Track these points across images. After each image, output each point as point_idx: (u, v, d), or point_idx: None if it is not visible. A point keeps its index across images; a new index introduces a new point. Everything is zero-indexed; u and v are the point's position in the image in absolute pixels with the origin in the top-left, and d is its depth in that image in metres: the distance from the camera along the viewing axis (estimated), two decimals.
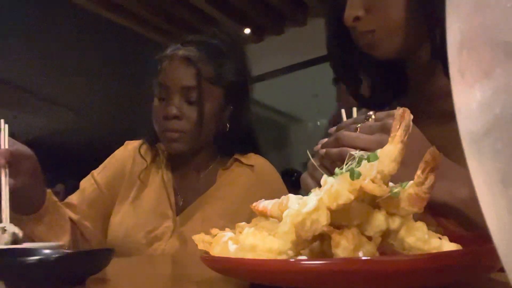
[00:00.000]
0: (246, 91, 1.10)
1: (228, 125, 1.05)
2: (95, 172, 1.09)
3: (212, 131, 1.03)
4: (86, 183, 1.07)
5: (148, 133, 1.07)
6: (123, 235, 0.99)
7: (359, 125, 0.54)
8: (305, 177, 0.61)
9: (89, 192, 1.05)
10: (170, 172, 1.07)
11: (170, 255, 0.96)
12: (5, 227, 0.70)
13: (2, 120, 0.78)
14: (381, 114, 0.54)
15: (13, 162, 0.77)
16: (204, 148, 1.06)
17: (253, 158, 1.11)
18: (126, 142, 1.14)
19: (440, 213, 0.49)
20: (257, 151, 1.14)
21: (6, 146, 0.78)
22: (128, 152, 1.10)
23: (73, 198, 1.05)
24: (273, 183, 1.09)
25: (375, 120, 0.54)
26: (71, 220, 0.99)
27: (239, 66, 1.07)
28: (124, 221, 1.01)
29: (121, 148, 1.13)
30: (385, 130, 0.50)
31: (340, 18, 0.68)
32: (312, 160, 0.59)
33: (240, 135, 1.08)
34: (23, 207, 0.81)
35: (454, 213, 0.49)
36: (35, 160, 0.82)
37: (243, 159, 1.09)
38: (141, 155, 1.08)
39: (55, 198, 0.92)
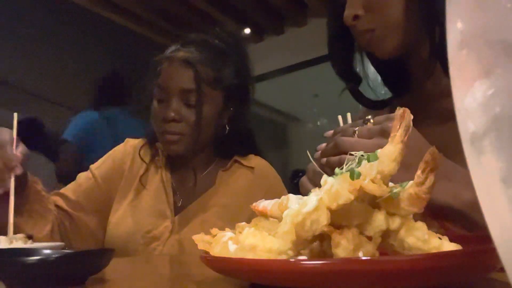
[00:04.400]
0: (247, 93, 1.09)
1: (227, 127, 1.05)
2: (92, 167, 1.08)
3: (211, 133, 1.03)
4: (83, 175, 1.07)
5: (148, 133, 1.07)
6: (121, 235, 0.99)
7: (357, 128, 0.54)
8: (305, 181, 0.60)
9: (85, 183, 1.04)
10: (169, 172, 1.06)
11: (170, 255, 0.95)
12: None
13: (15, 114, 0.77)
14: (380, 118, 0.54)
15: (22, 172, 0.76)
16: (203, 149, 1.06)
17: (253, 160, 1.10)
18: (127, 139, 1.14)
19: (444, 215, 0.49)
20: (255, 153, 1.13)
21: (15, 143, 0.76)
22: (128, 149, 1.10)
23: (68, 189, 1.04)
24: (274, 185, 1.08)
25: (374, 123, 0.54)
26: (62, 209, 0.98)
27: (240, 68, 1.06)
28: (122, 220, 1.01)
29: (121, 145, 1.12)
30: (384, 133, 0.49)
31: (341, 16, 0.68)
32: (312, 163, 0.59)
33: (239, 137, 1.08)
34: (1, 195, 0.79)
35: (458, 216, 0.48)
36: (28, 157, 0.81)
37: (243, 161, 1.09)
38: (141, 158, 1.08)
39: (39, 187, 0.91)
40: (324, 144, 0.59)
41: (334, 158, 0.52)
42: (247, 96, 1.09)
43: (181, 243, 0.96)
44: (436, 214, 0.48)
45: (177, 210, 1.01)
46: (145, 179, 1.06)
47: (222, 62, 1.02)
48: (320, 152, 0.58)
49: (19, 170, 0.76)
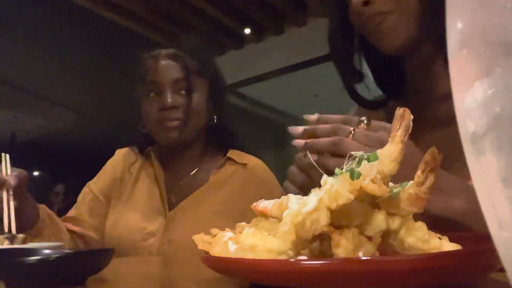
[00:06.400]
0: (225, 85, 1.18)
1: (215, 118, 1.10)
2: (90, 183, 1.14)
3: (203, 122, 1.08)
4: (83, 195, 1.12)
5: (137, 140, 1.13)
6: (118, 234, 1.02)
7: (352, 128, 0.52)
8: (287, 185, 0.60)
9: (87, 202, 1.10)
10: (163, 172, 1.09)
11: (169, 256, 0.96)
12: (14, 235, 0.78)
13: (3, 154, 0.88)
14: (378, 124, 0.52)
15: (17, 185, 0.83)
16: (195, 142, 1.10)
17: (246, 157, 1.13)
18: (117, 150, 1.19)
19: (438, 225, 0.49)
20: (241, 145, 1.18)
21: (9, 173, 0.86)
22: (119, 158, 1.16)
23: (72, 212, 1.10)
24: (267, 181, 1.10)
25: (371, 128, 0.52)
26: (73, 232, 1.05)
27: (214, 61, 1.16)
28: (118, 220, 1.04)
29: (112, 158, 1.18)
30: (383, 145, 0.49)
31: (344, 7, 0.67)
32: (292, 166, 0.59)
33: (227, 128, 1.13)
34: (21, 223, 0.86)
35: (452, 224, 0.48)
36: (28, 179, 0.88)
37: (236, 158, 1.11)
38: (129, 171, 1.13)
39: (49, 211, 0.98)
40: (301, 128, 0.55)
41: (332, 161, 0.50)
42: (225, 88, 1.19)
43: (176, 238, 0.98)
44: (430, 225, 0.48)
45: (171, 207, 1.04)
46: (137, 178, 1.11)
47: (202, 54, 1.11)
48: (304, 142, 0.54)
49: (12, 182, 0.83)
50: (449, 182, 0.49)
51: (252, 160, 1.13)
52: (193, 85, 1.04)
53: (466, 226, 0.47)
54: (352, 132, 0.51)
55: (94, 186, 1.12)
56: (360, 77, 0.76)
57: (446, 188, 0.48)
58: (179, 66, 1.04)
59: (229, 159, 1.12)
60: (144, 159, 1.13)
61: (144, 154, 1.14)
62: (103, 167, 1.17)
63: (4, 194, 0.82)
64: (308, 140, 0.54)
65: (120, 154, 1.17)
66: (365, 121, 0.52)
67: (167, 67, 1.04)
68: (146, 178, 1.10)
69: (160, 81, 1.03)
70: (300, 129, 0.56)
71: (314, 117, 0.55)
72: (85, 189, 1.13)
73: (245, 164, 1.11)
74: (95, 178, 1.14)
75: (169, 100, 1.01)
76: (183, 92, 1.03)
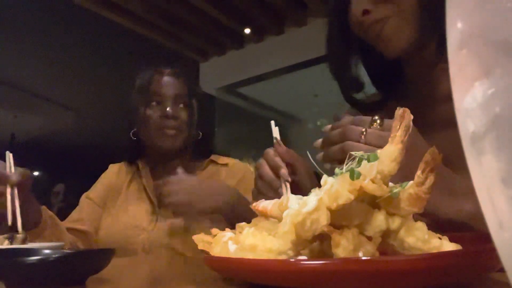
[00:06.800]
0: (207, 108, 1.36)
1: (200, 133, 1.22)
2: (86, 193, 1.24)
3: (192, 135, 1.20)
4: (81, 202, 1.22)
5: (128, 152, 1.25)
6: (113, 231, 1.11)
7: (364, 129, 0.50)
8: (253, 191, 0.62)
9: (86, 207, 1.20)
10: (152, 179, 1.21)
11: (170, 256, 0.97)
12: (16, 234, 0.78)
13: (7, 152, 0.90)
14: (391, 123, 0.51)
15: (20, 183, 0.86)
16: (182, 153, 1.21)
17: (226, 159, 1.26)
18: (110, 165, 1.32)
19: (449, 228, 0.48)
20: (222, 154, 1.30)
21: (13, 171, 0.87)
22: (113, 170, 1.30)
23: (75, 214, 1.20)
24: (246, 175, 1.21)
25: (385, 128, 0.50)
26: (78, 230, 1.13)
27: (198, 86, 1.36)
28: (113, 220, 1.14)
29: (106, 171, 1.31)
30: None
31: (343, 15, 0.67)
32: (257, 170, 0.61)
33: (210, 142, 1.28)
34: (24, 223, 0.87)
35: (462, 228, 0.48)
36: (31, 179, 0.92)
37: (217, 160, 1.25)
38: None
39: (50, 212, 1.03)
40: (320, 140, 0.57)
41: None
42: (207, 109, 1.37)
43: (165, 231, 1.07)
44: (441, 228, 0.48)
45: (160, 205, 1.14)
46: (129, 189, 1.22)
47: (193, 79, 1.28)
48: (322, 154, 0.55)
49: (14, 178, 0.86)
50: (460, 184, 0.48)
51: (232, 161, 1.26)
52: (191, 101, 1.19)
53: (476, 228, 0.46)
54: (364, 133, 0.50)
55: (91, 193, 1.22)
56: (360, 87, 0.76)
57: (457, 191, 0.48)
58: (181, 84, 1.19)
59: (212, 161, 1.24)
60: (134, 170, 1.25)
61: (134, 166, 1.26)
62: (98, 179, 1.28)
63: (8, 190, 0.84)
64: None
65: (113, 168, 1.30)
66: (378, 121, 0.51)
67: (171, 82, 1.19)
68: (137, 186, 1.21)
69: (164, 93, 1.16)
70: (319, 141, 0.58)
71: (327, 127, 0.57)
72: (82, 198, 1.22)
73: (226, 164, 1.23)
74: (91, 188, 1.25)
75: (171, 110, 1.13)
76: (181, 106, 1.17)
